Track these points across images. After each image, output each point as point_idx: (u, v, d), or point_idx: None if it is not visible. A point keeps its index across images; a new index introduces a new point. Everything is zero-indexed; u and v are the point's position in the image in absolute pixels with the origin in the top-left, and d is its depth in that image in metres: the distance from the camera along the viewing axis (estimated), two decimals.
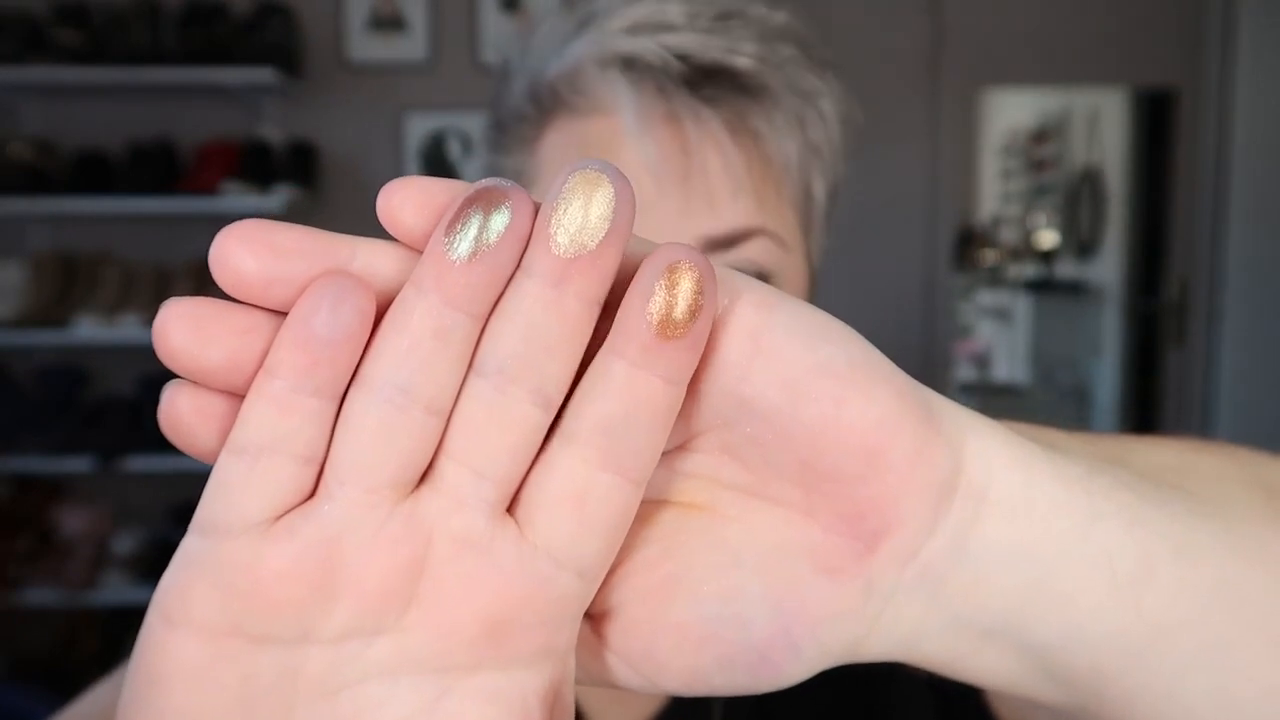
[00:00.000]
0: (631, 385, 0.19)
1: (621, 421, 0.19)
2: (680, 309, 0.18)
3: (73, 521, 2.45)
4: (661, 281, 0.18)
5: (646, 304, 0.18)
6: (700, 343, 0.19)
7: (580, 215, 0.18)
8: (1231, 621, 0.22)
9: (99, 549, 2.44)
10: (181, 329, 0.18)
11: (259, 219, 0.18)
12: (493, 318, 0.19)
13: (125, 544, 2.45)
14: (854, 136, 0.53)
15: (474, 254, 0.18)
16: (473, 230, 0.18)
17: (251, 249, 0.18)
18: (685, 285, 0.18)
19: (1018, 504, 0.21)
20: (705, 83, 0.47)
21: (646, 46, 0.47)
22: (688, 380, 0.19)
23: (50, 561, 2.39)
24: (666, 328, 0.18)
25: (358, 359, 0.18)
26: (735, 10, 0.49)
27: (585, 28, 0.49)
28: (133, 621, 2.61)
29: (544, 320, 0.18)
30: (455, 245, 0.18)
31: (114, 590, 2.39)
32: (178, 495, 2.52)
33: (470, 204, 0.18)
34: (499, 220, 0.18)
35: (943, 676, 0.23)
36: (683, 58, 0.47)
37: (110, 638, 2.44)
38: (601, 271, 0.18)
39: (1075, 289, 4.20)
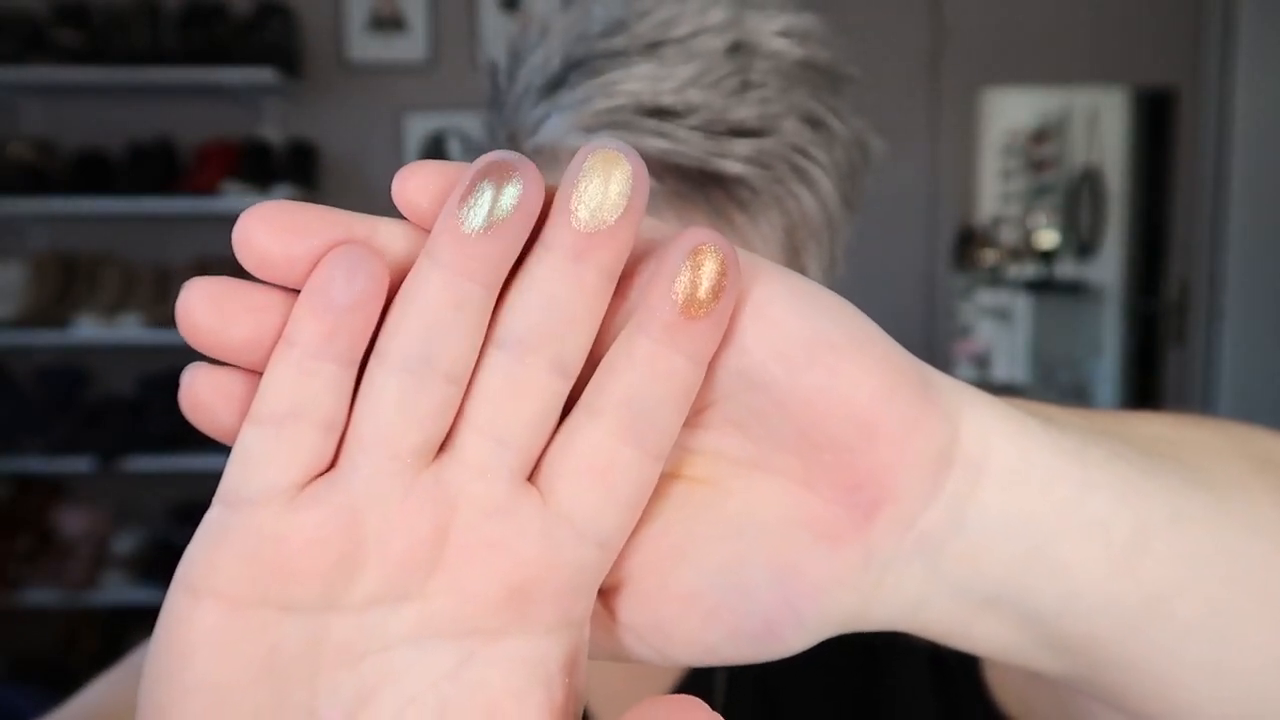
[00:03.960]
0: (654, 362, 0.19)
1: (644, 397, 0.19)
2: (704, 289, 0.19)
3: (73, 521, 2.45)
4: (687, 262, 0.19)
5: (672, 283, 0.19)
6: (723, 322, 0.19)
7: (600, 192, 0.18)
8: (1228, 590, 0.23)
9: (99, 549, 2.44)
10: (204, 308, 0.18)
11: (280, 200, 0.19)
12: (512, 290, 0.19)
13: (125, 544, 2.46)
14: (868, 165, 0.50)
15: (488, 226, 0.18)
16: (485, 203, 0.18)
17: (274, 229, 0.18)
18: (709, 266, 0.19)
19: (1014, 474, 0.21)
20: (688, 183, 0.43)
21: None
22: (709, 359, 0.20)
23: (50, 561, 2.40)
24: (691, 306, 0.19)
25: (374, 326, 0.19)
26: (747, 46, 0.44)
27: (568, 87, 0.44)
28: (133, 621, 2.60)
29: (564, 293, 0.19)
30: (469, 217, 0.18)
31: (114, 590, 2.40)
32: (178, 495, 2.52)
33: (481, 177, 0.18)
34: (510, 192, 0.18)
35: (944, 648, 0.23)
36: (659, 160, 0.42)
37: (110, 638, 2.44)
38: (619, 246, 0.19)
39: (1075, 289, 4.20)
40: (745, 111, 0.43)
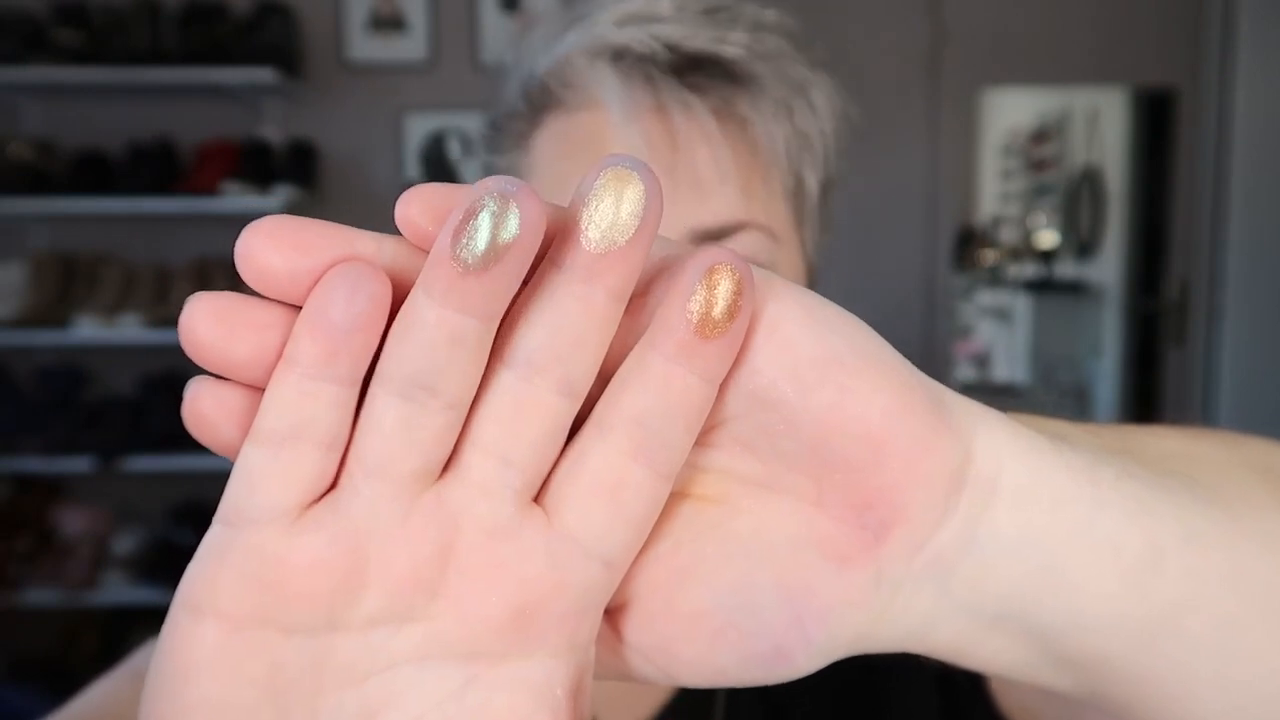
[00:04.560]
0: (667, 380, 0.19)
1: (655, 415, 0.19)
2: (719, 308, 0.19)
3: (73, 521, 2.45)
4: (702, 282, 0.19)
5: (687, 302, 0.19)
6: (737, 343, 0.19)
7: (611, 212, 0.18)
8: (1239, 606, 0.22)
9: (99, 549, 2.44)
10: (208, 324, 0.18)
11: (284, 215, 0.18)
12: (522, 310, 0.19)
13: (125, 544, 2.45)
14: (850, 133, 0.53)
15: (484, 261, 0.17)
16: (483, 236, 0.17)
17: (277, 245, 0.18)
18: (725, 286, 0.19)
19: (1025, 494, 0.21)
20: (693, 71, 0.48)
21: (634, 36, 0.47)
22: (722, 378, 0.19)
23: (50, 561, 2.39)
24: (705, 326, 0.19)
25: (375, 345, 0.18)
26: (725, 4, 0.50)
27: (576, 23, 0.49)
28: (132, 621, 2.59)
29: (573, 314, 0.18)
30: (464, 251, 0.17)
31: (114, 590, 2.39)
32: (178, 495, 2.52)
33: (476, 210, 0.17)
34: (509, 225, 0.17)
35: (952, 667, 0.23)
36: (670, 46, 0.47)
37: (110, 638, 2.44)
38: (630, 266, 0.18)
39: (1075, 289, 4.20)
40: (739, 34, 0.49)
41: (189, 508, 2.51)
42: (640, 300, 0.20)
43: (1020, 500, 0.21)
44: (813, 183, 0.51)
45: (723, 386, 0.20)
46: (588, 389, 0.19)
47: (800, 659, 0.21)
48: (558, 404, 0.19)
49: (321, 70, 2.61)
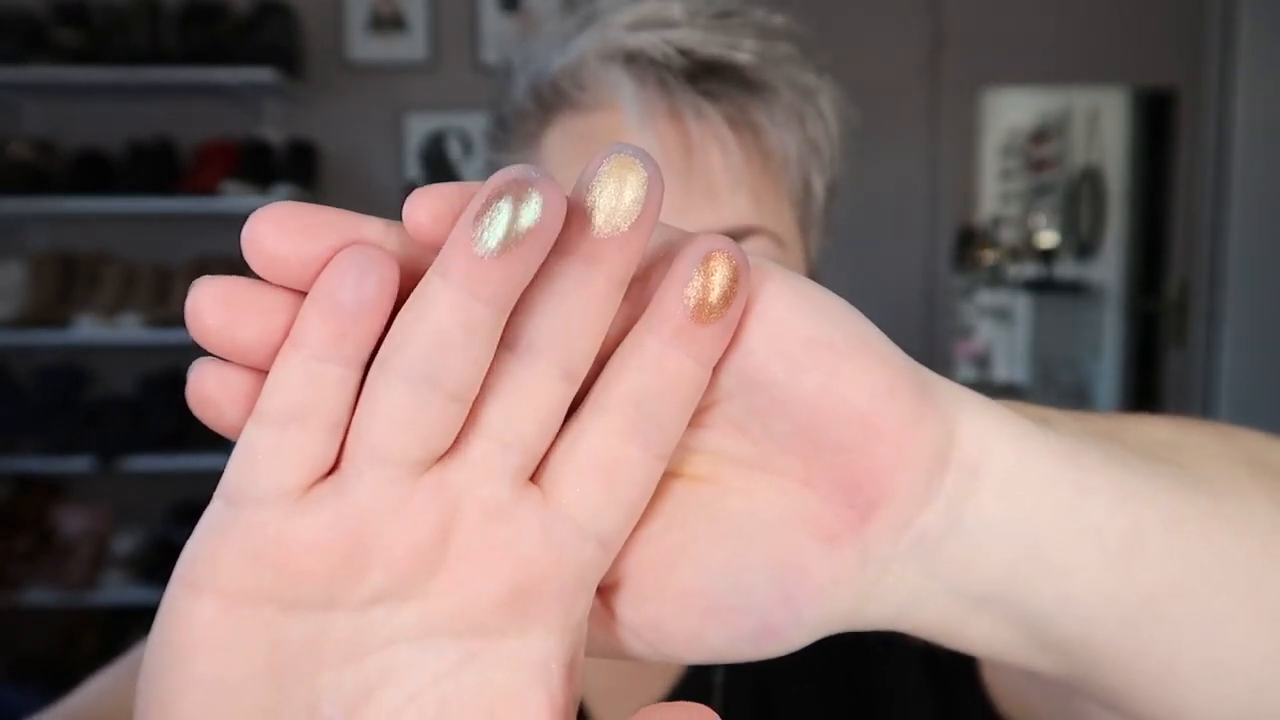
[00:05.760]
0: (663, 363, 0.19)
1: (651, 397, 0.20)
2: (716, 295, 0.19)
3: (73, 521, 2.46)
4: (699, 268, 0.19)
5: (684, 288, 0.19)
6: (731, 328, 0.20)
7: (614, 198, 0.18)
8: (1222, 593, 0.23)
9: (99, 549, 2.44)
10: (214, 308, 0.18)
11: (289, 201, 0.18)
12: (524, 295, 0.19)
13: (125, 544, 2.46)
14: (851, 138, 0.54)
15: (503, 248, 0.17)
16: (502, 222, 0.17)
17: (285, 231, 0.18)
18: (721, 273, 0.19)
19: (1010, 478, 0.21)
20: (706, 77, 0.48)
21: (649, 41, 0.47)
22: (715, 361, 0.20)
23: (50, 561, 2.40)
24: (702, 311, 0.19)
25: (382, 328, 0.18)
26: (735, 10, 0.50)
27: (588, 24, 0.49)
28: (132, 621, 2.59)
29: (575, 298, 0.19)
30: (483, 237, 0.17)
31: (114, 590, 2.40)
32: (178, 495, 2.52)
33: (498, 194, 0.17)
34: (528, 212, 0.17)
35: (940, 648, 0.24)
36: (685, 52, 0.48)
37: (110, 638, 2.44)
38: (632, 252, 0.19)
39: (1075, 289, 4.20)
40: (750, 40, 0.49)
41: (189, 508, 2.51)
42: (638, 285, 0.20)
43: (1005, 484, 0.21)
44: (819, 188, 0.52)
45: (716, 367, 0.20)
46: (586, 371, 0.20)
47: (789, 635, 0.21)
48: (558, 387, 0.19)
49: (321, 70, 2.61)
